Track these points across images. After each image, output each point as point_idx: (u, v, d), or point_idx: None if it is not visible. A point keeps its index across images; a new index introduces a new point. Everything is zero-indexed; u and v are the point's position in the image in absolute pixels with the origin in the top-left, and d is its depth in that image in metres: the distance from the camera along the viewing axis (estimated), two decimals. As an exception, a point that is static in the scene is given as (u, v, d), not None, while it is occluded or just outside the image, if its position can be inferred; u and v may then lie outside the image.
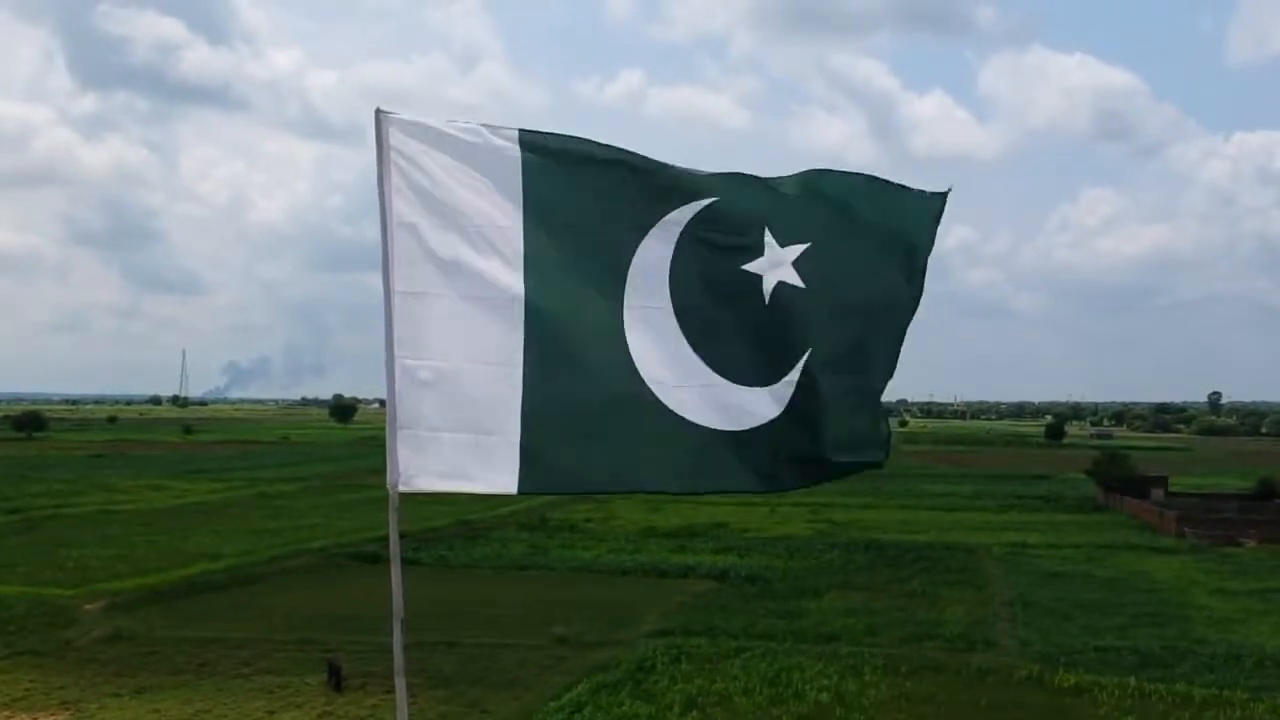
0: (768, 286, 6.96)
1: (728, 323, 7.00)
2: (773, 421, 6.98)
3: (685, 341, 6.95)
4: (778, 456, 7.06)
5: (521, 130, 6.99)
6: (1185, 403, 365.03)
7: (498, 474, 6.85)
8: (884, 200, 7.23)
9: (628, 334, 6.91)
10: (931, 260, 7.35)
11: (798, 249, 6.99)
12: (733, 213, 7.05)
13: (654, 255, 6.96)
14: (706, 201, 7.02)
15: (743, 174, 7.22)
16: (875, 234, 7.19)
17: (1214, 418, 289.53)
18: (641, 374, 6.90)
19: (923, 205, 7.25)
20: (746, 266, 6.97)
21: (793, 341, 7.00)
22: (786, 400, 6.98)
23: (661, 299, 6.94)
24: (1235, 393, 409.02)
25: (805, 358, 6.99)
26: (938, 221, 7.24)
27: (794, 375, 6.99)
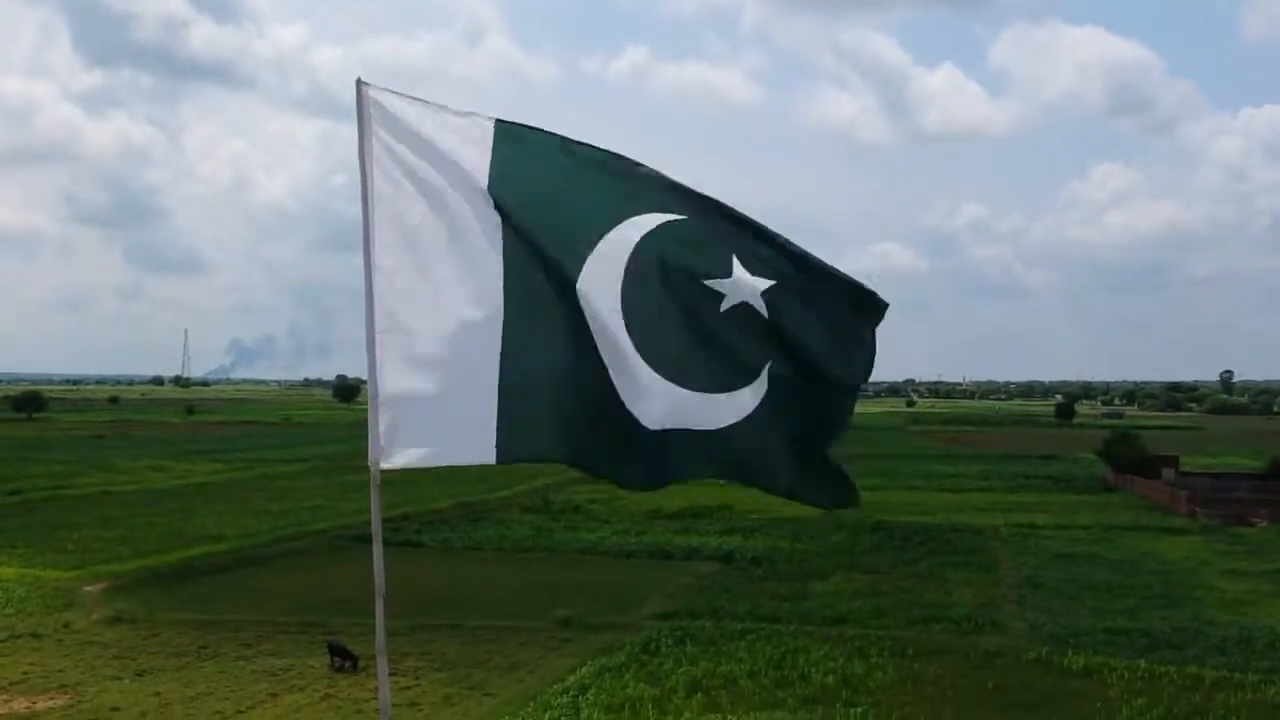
0: (727, 302, 6.97)
1: (679, 331, 7.01)
2: (733, 424, 7.04)
3: (633, 346, 6.91)
4: (738, 455, 7.15)
5: (497, 120, 7.03)
6: (1197, 381, 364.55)
7: (478, 446, 6.87)
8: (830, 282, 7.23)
9: (588, 319, 6.89)
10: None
11: (766, 282, 6.98)
12: (699, 233, 7.03)
13: (610, 256, 6.93)
14: (672, 217, 7.01)
15: (713, 199, 7.17)
16: (832, 289, 7.21)
17: (1226, 396, 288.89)
18: (602, 353, 6.89)
19: (863, 294, 7.21)
20: (709, 282, 6.98)
21: (753, 356, 7.04)
22: (748, 409, 7.04)
23: (612, 300, 6.89)
24: (1247, 371, 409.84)
25: (767, 369, 7.03)
26: (879, 312, 7.23)
27: (757, 385, 7.05)
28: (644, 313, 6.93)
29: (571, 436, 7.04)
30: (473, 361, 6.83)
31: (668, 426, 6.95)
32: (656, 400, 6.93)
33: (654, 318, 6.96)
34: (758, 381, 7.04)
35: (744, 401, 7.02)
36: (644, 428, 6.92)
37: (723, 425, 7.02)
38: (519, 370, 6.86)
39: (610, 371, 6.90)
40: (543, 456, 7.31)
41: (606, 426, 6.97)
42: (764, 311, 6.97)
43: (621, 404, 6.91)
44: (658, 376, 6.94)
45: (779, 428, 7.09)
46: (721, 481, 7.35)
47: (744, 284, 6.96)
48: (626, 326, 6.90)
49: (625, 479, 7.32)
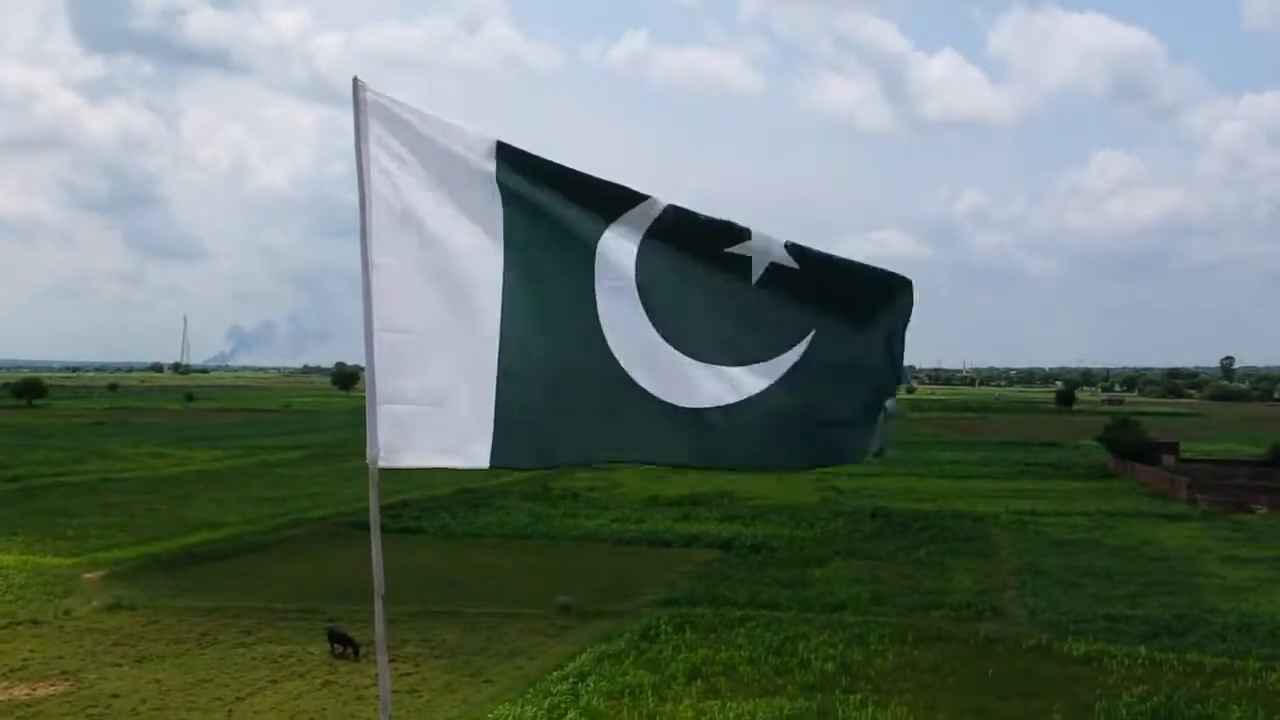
0: (757, 267, 6.79)
1: (702, 303, 6.85)
2: (755, 397, 6.82)
3: (649, 322, 6.81)
4: (756, 432, 6.89)
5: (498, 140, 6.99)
6: (1197, 368, 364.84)
7: (473, 448, 6.81)
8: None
9: (599, 309, 6.83)
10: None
11: (783, 240, 6.83)
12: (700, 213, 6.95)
13: (620, 237, 6.84)
14: (670, 202, 6.94)
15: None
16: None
17: (1226, 383, 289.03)
18: (611, 348, 6.82)
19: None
20: (731, 249, 6.80)
21: (790, 321, 6.83)
22: (778, 376, 6.81)
23: (625, 279, 6.80)
24: (1248, 358, 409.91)
25: (809, 338, 6.81)
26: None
27: (793, 354, 6.82)
28: (664, 293, 6.81)
29: (580, 435, 6.91)
30: (471, 362, 6.80)
31: (703, 405, 6.78)
32: (687, 381, 6.78)
33: (675, 298, 6.82)
34: (788, 354, 6.80)
35: (770, 372, 6.79)
36: (679, 408, 6.77)
37: (752, 393, 6.77)
38: (518, 371, 6.79)
39: (623, 363, 6.79)
40: (541, 464, 7.21)
41: (628, 414, 6.83)
42: (794, 264, 6.75)
43: (644, 391, 6.79)
44: (683, 357, 6.79)
45: (819, 393, 6.84)
46: (741, 467, 7.13)
47: (766, 245, 6.75)
48: (646, 310, 6.79)
49: (667, 458, 7.21)
